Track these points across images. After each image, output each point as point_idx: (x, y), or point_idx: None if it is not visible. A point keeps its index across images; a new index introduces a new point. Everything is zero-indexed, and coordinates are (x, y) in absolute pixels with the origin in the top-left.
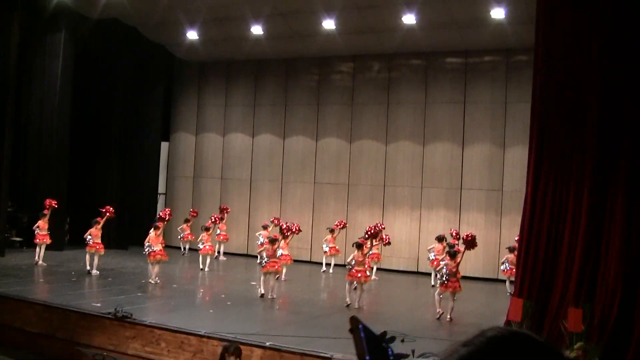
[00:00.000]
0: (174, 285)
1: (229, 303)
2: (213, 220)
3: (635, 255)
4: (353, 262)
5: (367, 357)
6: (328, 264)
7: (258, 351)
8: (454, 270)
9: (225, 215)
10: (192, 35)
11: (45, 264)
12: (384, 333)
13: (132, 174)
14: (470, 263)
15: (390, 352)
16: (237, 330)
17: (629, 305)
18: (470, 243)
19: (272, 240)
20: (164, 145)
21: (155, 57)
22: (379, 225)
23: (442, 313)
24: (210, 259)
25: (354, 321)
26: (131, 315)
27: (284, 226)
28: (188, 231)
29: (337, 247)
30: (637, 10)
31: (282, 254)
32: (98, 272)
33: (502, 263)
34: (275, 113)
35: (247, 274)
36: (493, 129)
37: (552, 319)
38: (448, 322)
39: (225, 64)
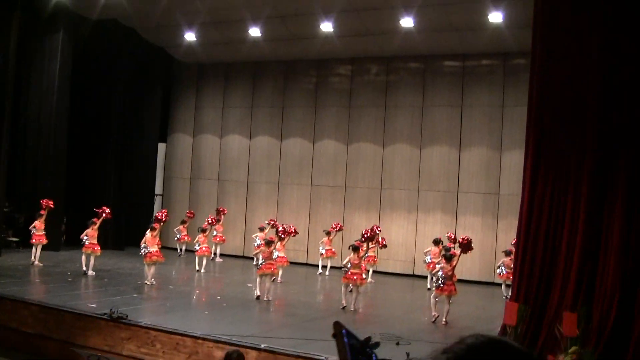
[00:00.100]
0: (170, 287)
1: (224, 305)
2: (210, 221)
3: (633, 258)
4: (349, 265)
5: None
6: (324, 267)
7: (253, 353)
8: (450, 273)
9: (222, 216)
10: (190, 37)
11: (41, 265)
12: (368, 338)
13: (130, 175)
14: (467, 266)
15: (374, 358)
16: (232, 332)
17: (627, 308)
18: (466, 247)
19: (268, 242)
20: (162, 147)
21: (153, 59)
22: (375, 228)
23: (438, 316)
24: (207, 260)
25: (337, 326)
26: (127, 316)
27: (281, 228)
28: (184, 232)
29: (333, 250)
30: (637, 10)
31: (278, 256)
32: (94, 273)
33: (498, 267)
34: (273, 115)
35: (243, 275)
36: (490, 133)
37: (549, 322)
38: (443, 325)
39: (223, 65)
